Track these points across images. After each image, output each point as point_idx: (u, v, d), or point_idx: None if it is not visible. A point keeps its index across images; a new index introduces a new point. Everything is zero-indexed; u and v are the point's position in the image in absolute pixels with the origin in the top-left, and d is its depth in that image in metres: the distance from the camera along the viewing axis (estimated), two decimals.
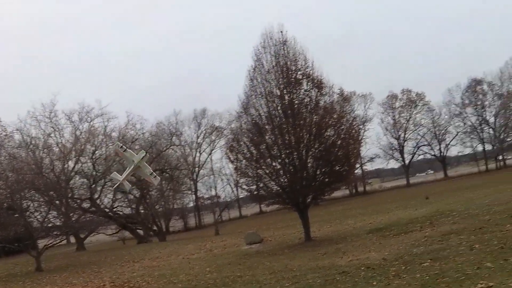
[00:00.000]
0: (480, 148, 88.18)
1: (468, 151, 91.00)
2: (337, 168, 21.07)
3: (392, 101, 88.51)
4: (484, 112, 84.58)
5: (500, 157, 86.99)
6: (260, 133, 21.29)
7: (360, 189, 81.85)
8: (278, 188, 21.67)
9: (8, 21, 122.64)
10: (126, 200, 50.54)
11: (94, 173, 46.60)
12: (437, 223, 17.77)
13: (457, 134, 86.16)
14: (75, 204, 41.46)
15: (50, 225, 28.78)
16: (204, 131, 73.52)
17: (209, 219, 64.93)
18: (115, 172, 19.08)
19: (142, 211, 49.83)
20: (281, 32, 21.76)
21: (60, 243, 28.79)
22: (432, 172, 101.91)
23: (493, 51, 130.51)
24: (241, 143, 21.35)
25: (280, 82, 21.45)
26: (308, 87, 21.53)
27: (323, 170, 21.04)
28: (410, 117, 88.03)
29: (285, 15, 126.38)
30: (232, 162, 22.40)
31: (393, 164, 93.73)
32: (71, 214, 34.26)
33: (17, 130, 46.22)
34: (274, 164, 21.46)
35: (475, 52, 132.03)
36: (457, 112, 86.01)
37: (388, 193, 67.13)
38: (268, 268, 14.95)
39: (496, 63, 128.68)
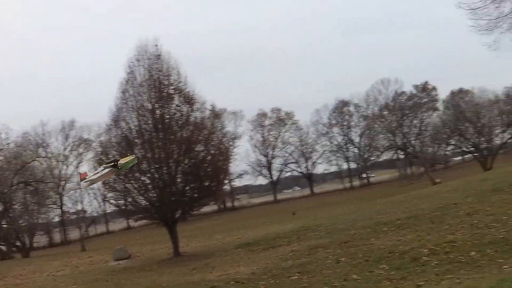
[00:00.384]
0: (345, 166, 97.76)
1: (333, 168, 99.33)
2: (207, 183, 21.99)
3: (261, 119, 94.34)
4: (349, 132, 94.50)
5: (364, 175, 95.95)
6: (129, 146, 21.36)
7: (229, 204, 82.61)
8: (147, 203, 22.01)
9: None
10: None
11: None
12: (304, 238, 18.73)
13: (323, 153, 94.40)
14: None
15: None
16: (72, 143, 71.09)
17: (75, 234, 61.79)
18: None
19: (5, 225, 45.58)
20: (156, 45, 22.46)
21: None
22: (299, 188, 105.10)
23: (360, 74, 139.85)
24: (110, 156, 20.69)
25: (152, 96, 21.97)
26: (180, 102, 22.34)
27: (192, 185, 21.90)
28: (278, 135, 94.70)
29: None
30: None
31: (261, 181, 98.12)
32: None
33: None
34: (143, 178, 21.71)
35: (344, 75, 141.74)
36: (324, 132, 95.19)
37: (256, 209, 70.79)
38: (136, 285, 14.68)
39: (363, 86, 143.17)
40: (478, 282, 8.08)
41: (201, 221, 53.89)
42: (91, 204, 69.66)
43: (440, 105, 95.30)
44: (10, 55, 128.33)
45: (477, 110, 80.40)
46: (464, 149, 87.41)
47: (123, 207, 23.71)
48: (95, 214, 70.77)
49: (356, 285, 10.04)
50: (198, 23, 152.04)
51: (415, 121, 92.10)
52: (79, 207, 70.48)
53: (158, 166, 21.70)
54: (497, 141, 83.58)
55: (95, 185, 26.48)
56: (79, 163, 71.00)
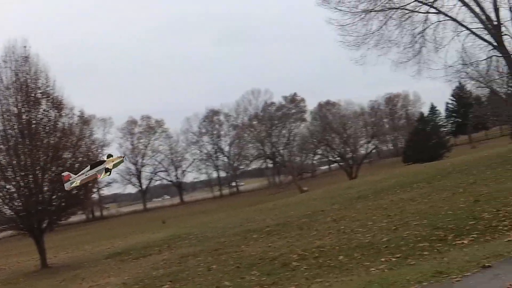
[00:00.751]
0: (215, 174, 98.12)
1: (203, 177, 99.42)
2: (74, 192, 20.68)
3: (131, 126, 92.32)
4: (219, 141, 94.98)
5: (234, 184, 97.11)
6: None
7: (97, 214, 79.69)
8: (12, 213, 20.77)
9: None
10: None
11: None
12: (174, 246, 18.74)
13: (193, 161, 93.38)
14: None
15: None
16: None
17: None
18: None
19: None
20: (25, 47, 21.36)
21: None
22: (168, 197, 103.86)
23: (231, 84, 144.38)
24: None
25: (19, 99, 20.91)
26: (48, 107, 21.49)
27: (60, 194, 20.77)
28: (148, 143, 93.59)
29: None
30: None
31: (131, 189, 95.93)
32: None
33: None
34: (8, 187, 20.54)
35: (216, 84, 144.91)
36: (194, 140, 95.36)
37: (126, 218, 67.72)
38: None
39: (233, 96, 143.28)
40: (347, 285, 8.48)
41: (69, 231, 51.78)
42: None
43: (308, 116, 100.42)
44: None
45: (343, 121, 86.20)
46: (331, 158, 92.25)
47: None
48: None
49: None
50: (68, 27, 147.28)
51: (283, 131, 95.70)
52: None
53: (24, 173, 20.80)
54: (362, 151, 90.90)
55: None
56: None
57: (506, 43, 30.43)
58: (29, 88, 21.50)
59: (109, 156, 11.99)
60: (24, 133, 20.99)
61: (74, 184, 14.38)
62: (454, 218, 11.81)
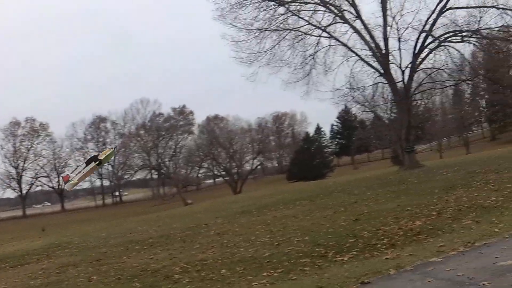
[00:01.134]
0: (98, 183, 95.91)
1: (86, 185, 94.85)
2: None
3: (14, 128, 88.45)
4: (105, 149, 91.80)
5: (117, 193, 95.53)
6: None
7: None
8: None
9: None
10: None
11: None
12: (54, 255, 17.69)
13: (76, 168, 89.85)
14: None
15: None
16: None
17: None
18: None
19: None
20: None
21: None
22: (49, 204, 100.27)
23: (120, 91, 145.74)
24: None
25: None
26: None
27: None
28: (31, 147, 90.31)
29: None
30: None
31: (10, 194, 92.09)
32: None
33: None
34: None
35: (104, 90, 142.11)
36: (79, 146, 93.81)
37: (3, 224, 63.28)
38: None
39: (122, 104, 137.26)
40: None
41: None
42: None
43: (195, 129, 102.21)
44: None
45: (230, 136, 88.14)
46: (216, 172, 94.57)
47: None
48: None
49: None
50: None
51: (170, 143, 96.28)
52: None
53: None
54: (247, 167, 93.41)
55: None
56: None
57: (392, 71, 32.75)
58: None
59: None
60: None
61: (72, 184, 13.78)
62: (335, 236, 12.24)
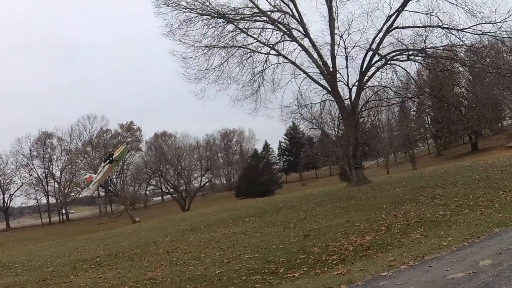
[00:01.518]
0: (44, 200, 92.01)
1: (32, 202, 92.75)
2: None
3: None
4: (51, 166, 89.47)
5: (64, 211, 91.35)
6: None
7: None
8: None
9: None
10: None
11: None
12: None
13: (22, 185, 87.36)
14: None
15: None
16: None
17: None
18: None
19: None
20: None
21: None
22: None
23: (67, 107, 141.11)
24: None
25: None
26: None
27: None
28: None
29: None
30: None
31: None
32: None
33: None
34: None
35: (51, 106, 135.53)
36: (24, 163, 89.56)
37: None
38: None
39: (69, 120, 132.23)
40: None
41: None
42: None
43: (143, 146, 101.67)
44: None
45: (178, 153, 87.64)
46: (164, 189, 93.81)
47: None
48: None
49: None
50: None
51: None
52: None
53: None
54: (196, 184, 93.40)
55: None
56: None
57: (339, 89, 33.33)
58: None
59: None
60: None
61: (96, 184, 13.42)
62: (285, 252, 12.23)
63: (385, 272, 8.70)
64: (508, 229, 10.37)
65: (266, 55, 34.61)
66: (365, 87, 34.25)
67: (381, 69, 33.08)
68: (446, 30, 29.38)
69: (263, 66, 34.48)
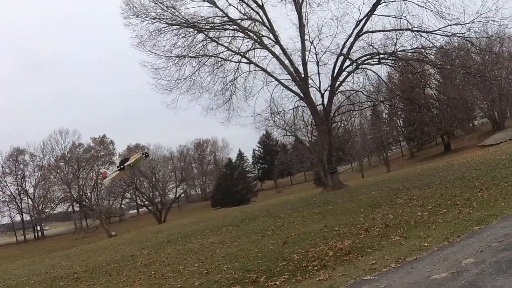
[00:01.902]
0: (18, 218, 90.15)
1: (6, 220, 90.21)
2: None
3: None
4: (24, 182, 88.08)
5: (38, 228, 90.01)
6: None
7: None
8: None
9: None
10: None
11: None
12: None
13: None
14: None
15: None
16: None
17: None
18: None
19: None
20: None
21: None
22: None
23: (38, 123, 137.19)
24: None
25: None
26: None
27: None
28: None
29: None
30: None
31: None
32: None
33: None
34: None
35: (21, 122, 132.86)
36: None
37: None
38: None
39: (41, 136, 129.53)
40: None
41: None
42: None
43: (117, 159, 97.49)
44: None
45: (152, 165, 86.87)
46: (139, 202, 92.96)
47: None
48: None
49: None
50: None
51: (91, 174, 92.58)
52: None
53: None
54: (171, 195, 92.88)
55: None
56: None
57: (312, 95, 33.45)
58: None
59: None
60: None
61: (109, 181, 13.29)
62: (265, 260, 12.08)
63: (367, 276, 8.61)
64: (487, 227, 10.40)
65: (238, 63, 34.62)
66: (337, 92, 34.46)
67: (352, 74, 33.32)
68: (416, 32, 29.72)
69: (235, 74, 34.49)
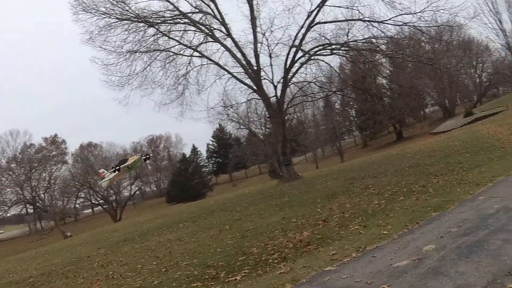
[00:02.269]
0: None
1: None
2: None
3: None
4: None
5: None
6: None
7: None
8: None
9: None
10: None
11: None
12: None
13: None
14: None
15: None
16: None
17: None
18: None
19: None
20: None
21: None
22: None
23: None
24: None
25: None
26: None
27: None
28: None
29: None
30: None
31: None
32: None
33: None
34: None
35: None
36: None
37: None
38: None
39: None
40: None
41: None
42: None
43: (69, 159, 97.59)
44: None
45: (105, 163, 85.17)
46: (94, 201, 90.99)
47: None
48: None
49: None
50: None
51: (44, 174, 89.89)
52: None
53: None
54: (126, 193, 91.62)
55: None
56: None
57: (265, 87, 33.40)
58: None
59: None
60: None
61: (106, 183, 12.78)
62: (224, 255, 11.95)
63: (329, 266, 8.57)
64: (445, 212, 10.53)
65: (190, 57, 34.23)
66: (290, 83, 34.51)
67: (305, 65, 33.38)
68: (367, 23, 29.93)
69: (187, 68, 34.08)
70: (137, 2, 31.81)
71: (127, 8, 31.30)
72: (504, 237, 7.50)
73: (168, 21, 33.16)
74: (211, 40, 33.87)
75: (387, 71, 35.45)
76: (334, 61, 41.10)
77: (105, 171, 14.81)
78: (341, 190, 19.66)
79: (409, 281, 6.62)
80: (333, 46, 32.05)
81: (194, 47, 33.93)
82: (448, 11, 27.23)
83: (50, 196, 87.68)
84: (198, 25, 33.54)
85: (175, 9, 32.81)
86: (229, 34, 33.44)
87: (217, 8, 33.34)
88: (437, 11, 27.36)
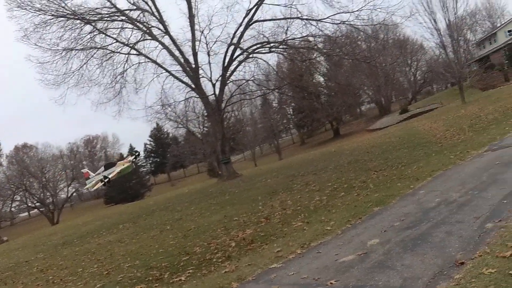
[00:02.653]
0: None
1: None
2: None
3: None
4: None
5: None
6: None
7: None
8: None
9: None
10: None
11: None
12: None
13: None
14: None
15: None
16: None
17: None
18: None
19: None
20: None
21: None
22: None
23: None
24: None
25: None
26: None
27: None
28: None
29: None
30: None
31: None
32: None
33: None
34: None
35: None
36: None
37: None
38: None
39: None
40: None
41: None
42: None
43: (4, 161, 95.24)
44: None
45: (41, 165, 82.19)
46: (30, 204, 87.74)
47: None
48: None
49: None
50: None
51: None
52: None
53: None
54: (63, 195, 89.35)
55: None
56: None
57: (203, 85, 33.23)
58: None
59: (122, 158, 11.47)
60: None
61: (91, 184, 12.42)
62: (166, 256, 11.75)
63: (274, 264, 8.53)
64: (387, 207, 10.69)
65: (127, 55, 33.63)
66: (228, 81, 34.45)
67: (243, 63, 33.54)
68: (305, 21, 30.27)
69: (124, 66, 33.50)
70: None
71: (63, 4, 30.50)
72: (446, 229, 7.66)
73: (105, 19, 32.45)
74: (149, 38, 33.40)
75: (325, 69, 35.97)
76: (272, 59, 41.44)
77: (89, 171, 14.45)
78: (282, 188, 19.73)
79: (356, 275, 6.64)
80: (272, 44, 32.26)
81: (131, 45, 33.33)
82: (385, 10, 27.93)
83: None
84: (135, 22, 32.99)
85: (112, 6, 32.17)
86: (167, 32, 33.05)
87: (155, 5, 32.93)
88: (374, 10, 28.00)
